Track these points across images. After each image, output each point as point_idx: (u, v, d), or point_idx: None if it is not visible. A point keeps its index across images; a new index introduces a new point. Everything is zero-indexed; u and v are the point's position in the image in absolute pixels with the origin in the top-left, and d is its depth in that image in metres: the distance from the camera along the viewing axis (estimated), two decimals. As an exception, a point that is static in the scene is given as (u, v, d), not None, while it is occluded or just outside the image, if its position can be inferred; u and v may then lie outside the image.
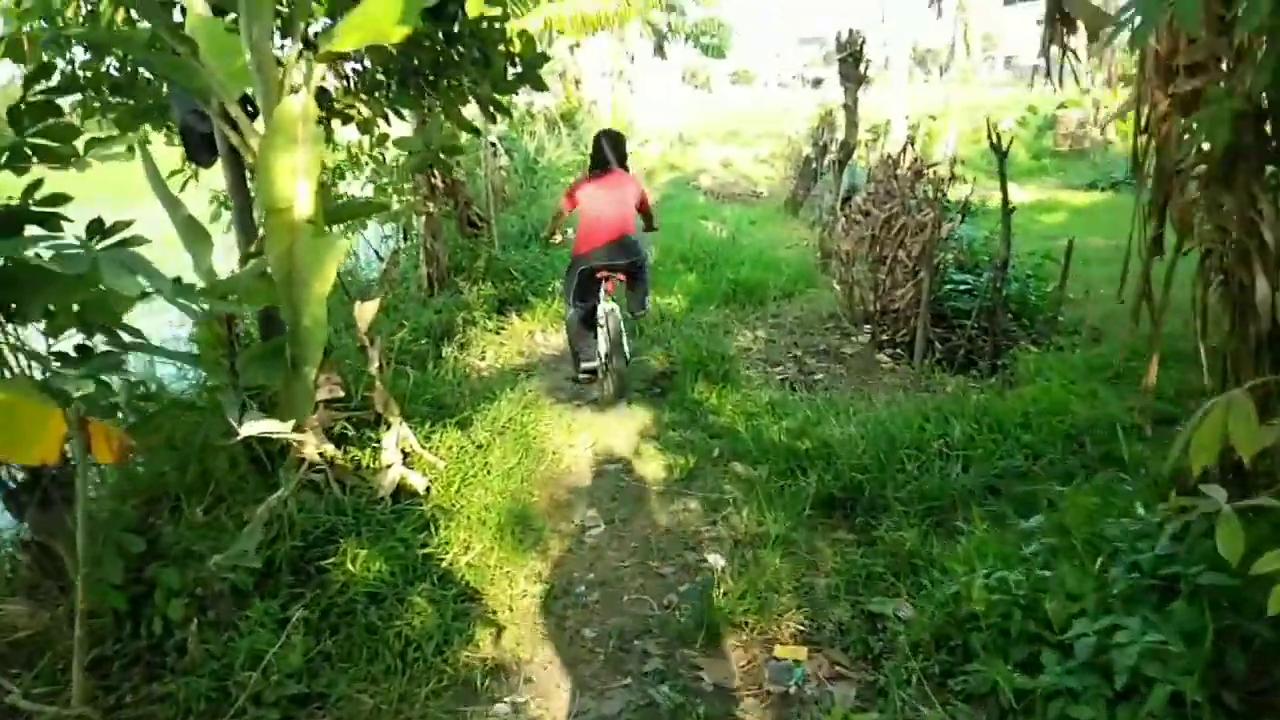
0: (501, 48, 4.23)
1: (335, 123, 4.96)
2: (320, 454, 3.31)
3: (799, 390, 5.32)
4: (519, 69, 4.55)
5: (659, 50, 21.09)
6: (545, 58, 4.53)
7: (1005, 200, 5.37)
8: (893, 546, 3.23)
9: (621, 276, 5.34)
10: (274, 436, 3.09)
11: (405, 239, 7.17)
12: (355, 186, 6.87)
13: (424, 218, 6.88)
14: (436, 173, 6.87)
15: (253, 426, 2.82)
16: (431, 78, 4.52)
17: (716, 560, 3.31)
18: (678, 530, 3.59)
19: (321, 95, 4.71)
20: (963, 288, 6.30)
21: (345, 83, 4.95)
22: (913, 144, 6.36)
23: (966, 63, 17.21)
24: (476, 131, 4.78)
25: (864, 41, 8.02)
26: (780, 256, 9.08)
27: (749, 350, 6.31)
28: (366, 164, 6.04)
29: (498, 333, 6.48)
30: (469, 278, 6.96)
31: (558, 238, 5.86)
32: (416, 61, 4.57)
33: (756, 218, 11.88)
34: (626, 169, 5.51)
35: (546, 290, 7.27)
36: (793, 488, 3.73)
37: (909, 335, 6.04)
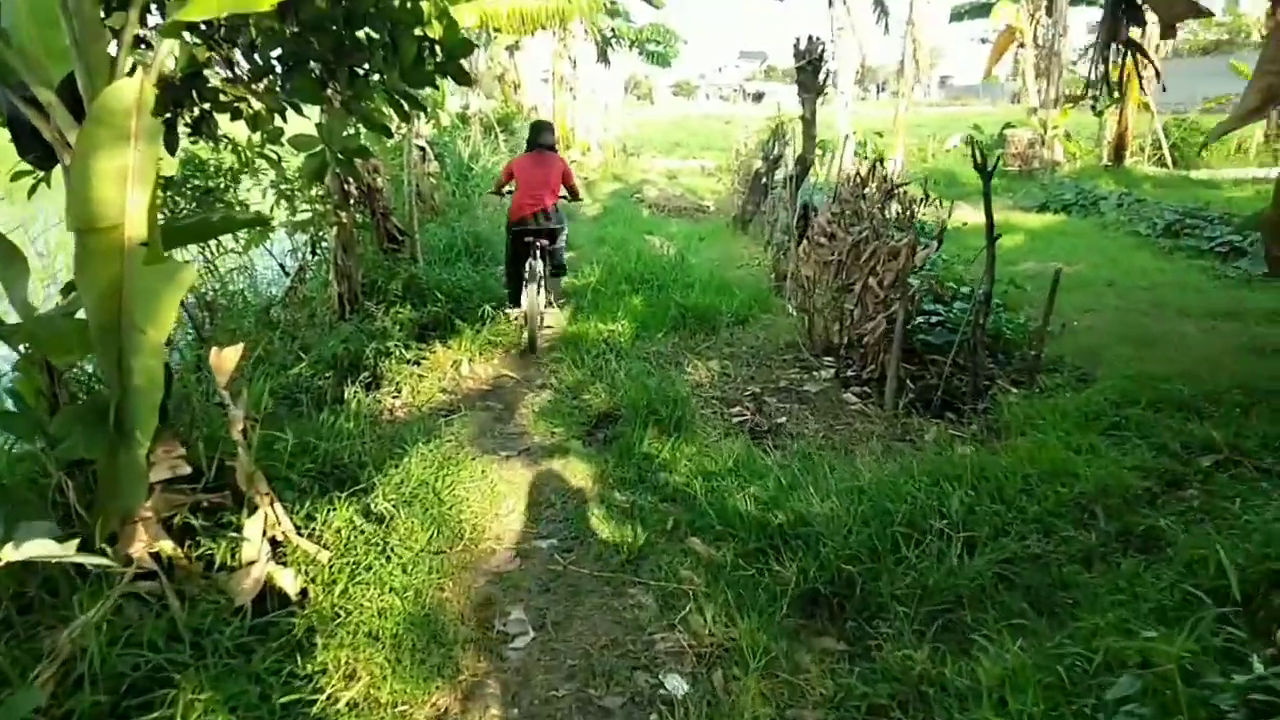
0: (416, 31, 3.48)
1: (226, 118, 4.15)
2: (154, 554, 2.49)
3: (762, 439, 4.67)
4: (439, 58, 3.80)
5: (602, 56, 20.41)
6: (470, 45, 3.78)
7: (990, 225, 4.82)
8: (897, 667, 2.57)
9: (545, 240, 6.51)
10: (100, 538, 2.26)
11: (314, 253, 6.30)
12: (257, 194, 5.98)
13: (335, 229, 6.02)
14: (350, 179, 6.03)
15: (29, 549, 1.97)
16: (332, 65, 3.73)
17: (676, 685, 2.60)
18: (625, 639, 2.86)
19: (196, 83, 3.89)
20: (934, 319, 5.78)
21: (232, 70, 4.13)
22: (881, 163, 5.78)
23: (907, 81, 17.00)
24: (387, 131, 4.01)
25: (824, 49, 7.48)
26: (731, 277, 8.47)
27: (701, 386, 5.64)
28: (262, 167, 5.14)
29: (417, 363, 5.67)
30: (385, 299, 6.13)
31: (505, 190, 7.00)
32: (315, 44, 3.78)
33: (704, 234, 11.28)
34: (554, 149, 6.98)
35: (476, 313, 6.48)
36: (766, 577, 3.05)
37: (877, 371, 5.46)
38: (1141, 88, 14.41)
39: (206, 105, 4.01)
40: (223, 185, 5.19)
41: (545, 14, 9.88)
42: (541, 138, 6.76)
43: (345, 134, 4.07)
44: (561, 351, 6.19)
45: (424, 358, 5.77)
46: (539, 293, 6.32)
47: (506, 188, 6.86)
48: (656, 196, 14.37)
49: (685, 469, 4.02)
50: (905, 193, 5.75)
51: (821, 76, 7.69)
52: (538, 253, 6.37)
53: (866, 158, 18.00)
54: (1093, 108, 18.32)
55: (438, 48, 3.73)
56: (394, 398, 5.09)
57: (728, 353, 6.46)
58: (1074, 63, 17.29)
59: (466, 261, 7.85)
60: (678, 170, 19.32)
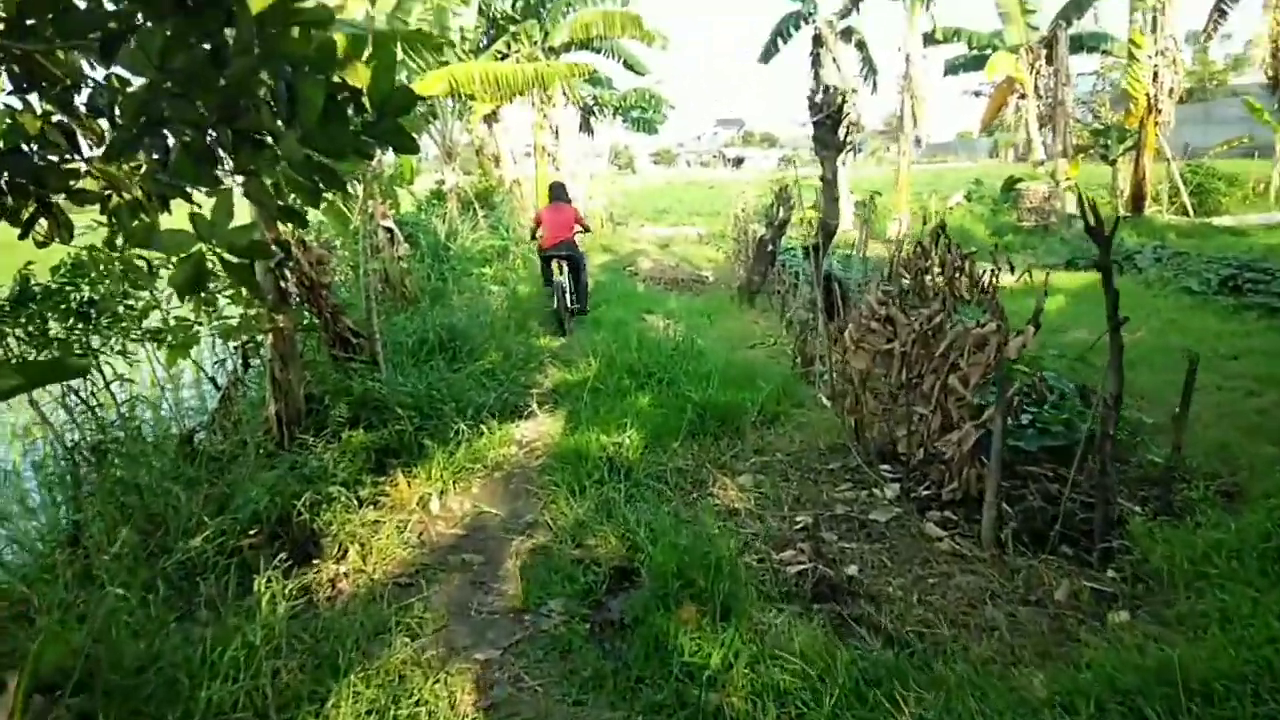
0: (325, 77, 2.36)
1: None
2: None
3: (832, 604, 3.43)
4: (371, 117, 2.68)
5: (585, 125, 19.71)
6: (410, 97, 2.65)
7: (1114, 308, 3.69)
8: None
9: (565, 263, 9.33)
10: None
11: (245, 366, 5.12)
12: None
13: (270, 336, 4.85)
14: (288, 274, 4.89)
15: None
16: (212, 131, 2.60)
17: None
18: None
19: (15, 163, 2.75)
20: (1022, 418, 4.62)
21: (75, 145, 3.00)
22: (943, 230, 4.69)
23: (907, 138, 16.27)
24: (299, 219, 2.91)
25: (844, 100, 6.51)
26: (748, 361, 7.33)
27: (736, 516, 4.43)
28: (119, 270, 3.92)
29: (374, 504, 4.44)
30: (333, 422, 4.92)
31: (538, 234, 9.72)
32: (195, 104, 2.66)
33: (708, 309, 10.19)
34: (568, 201, 9.97)
35: (449, 430, 5.28)
36: None
37: (961, 490, 4.27)
38: (1158, 134, 13.66)
39: (51, 193, 2.87)
40: (118, 292, 4.02)
41: (522, 79, 8.97)
42: (558, 194, 9.96)
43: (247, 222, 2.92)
44: (557, 472, 4.97)
45: (382, 496, 4.54)
46: (566, 295, 9.23)
47: (538, 231, 9.70)
48: (650, 268, 13.35)
49: (743, 684, 2.76)
50: (972, 263, 4.65)
51: (842, 131, 6.70)
52: (563, 267, 9.33)
53: (866, 220, 17.17)
54: (1104, 156, 17.68)
55: (365, 101, 2.60)
56: (337, 563, 3.83)
57: (760, 463, 5.26)
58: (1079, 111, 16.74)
59: (440, 360, 6.68)
60: (669, 238, 18.42)
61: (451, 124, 13.00)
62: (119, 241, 3.39)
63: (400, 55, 7.80)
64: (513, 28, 13.91)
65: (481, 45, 12.96)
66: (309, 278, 5.25)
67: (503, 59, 13.05)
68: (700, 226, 21.85)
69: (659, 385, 6.47)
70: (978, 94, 26.16)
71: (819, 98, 6.54)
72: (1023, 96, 15.65)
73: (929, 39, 16.29)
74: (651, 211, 27.37)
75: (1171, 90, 13.90)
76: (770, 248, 10.45)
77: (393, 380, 5.49)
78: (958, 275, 4.38)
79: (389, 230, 8.78)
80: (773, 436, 5.71)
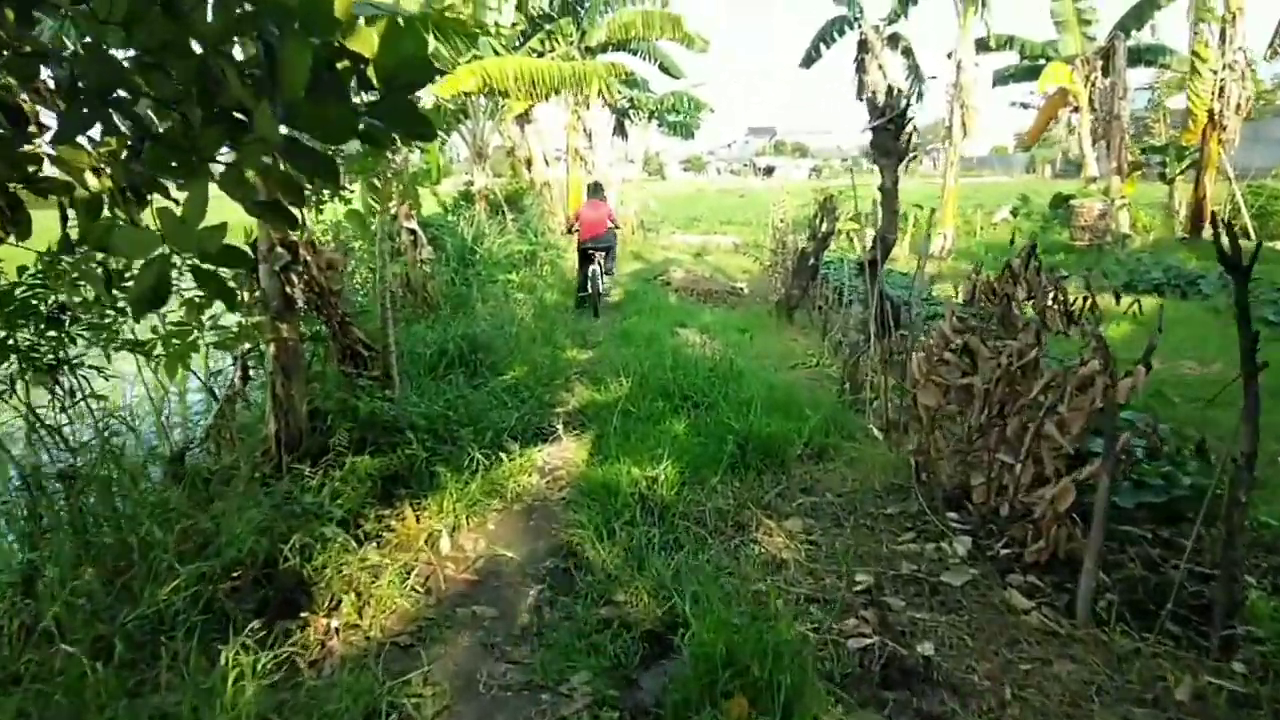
0: (313, 38, 1.87)
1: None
2: None
3: (905, 691, 2.87)
4: (378, 91, 2.18)
5: (620, 129, 19.23)
6: (428, 68, 2.14)
7: (1251, 350, 3.10)
8: None
9: (601, 253, 10.90)
10: None
11: (244, 378, 4.67)
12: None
13: (272, 347, 4.39)
14: (293, 278, 4.42)
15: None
16: (180, 109, 2.12)
17: None
18: None
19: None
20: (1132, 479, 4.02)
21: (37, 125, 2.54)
22: (1035, 253, 4.09)
23: (955, 148, 15.61)
24: (286, 219, 2.44)
25: (909, 102, 5.94)
26: (790, 385, 6.77)
27: (784, 569, 3.89)
28: (72, 277, 3.42)
29: (377, 541, 3.94)
30: (334, 443, 4.44)
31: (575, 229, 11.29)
32: (170, 75, 2.19)
33: (745, 324, 9.63)
34: (604, 199, 11.65)
35: (464, 456, 4.78)
36: None
37: (1047, 550, 3.68)
38: (1220, 153, 12.89)
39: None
40: (93, 297, 3.55)
41: (559, 77, 8.49)
42: (595, 192, 11.72)
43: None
44: (582, 509, 4.45)
45: (387, 531, 4.05)
46: (599, 279, 10.74)
47: (575, 226, 11.23)
48: (683, 278, 12.81)
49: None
50: (1064, 290, 4.06)
51: (904, 137, 6.13)
52: (598, 258, 10.79)
53: (927, 234, 16.50)
54: (1161, 175, 16.88)
55: (371, 73, 2.10)
56: (329, 615, 3.33)
57: (809, 504, 4.71)
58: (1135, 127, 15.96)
59: (460, 375, 6.19)
60: (701, 246, 17.87)
61: (483, 123, 12.58)
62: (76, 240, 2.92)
63: (431, 44, 7.37)
64: (548, 25, 13.48)
65: (516, 44, 12.55)
66: (319, 284, 4.78)
67: (538, 58, 12.63)
68: (733, 235, 21.29)
69: (695, 410, 5.94)
70: (1025, 106, 25.28)
71: (880, 100, 5.98)
72: (1076, 110, 14.92)
73: (981, 45, 15.61)
74: (683, 219, 26.84)
75: (1239, 106, 13.11)
76: (812, 261, 9.88)
77: (406, 399, 5.00)
78: (1051, 304, 3.80)
79: (412, 232, 8.35)
80: (821, 473, 5.15)
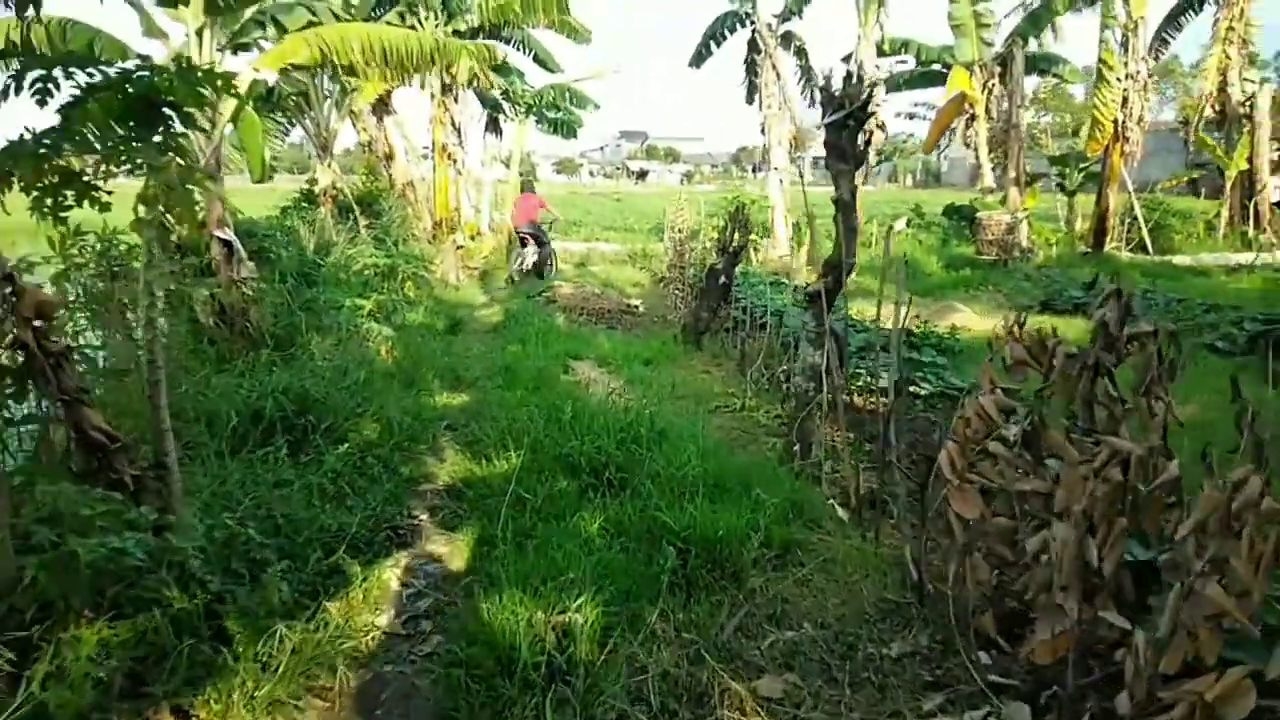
0: None
1: None
2: None
3: None
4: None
5: (493, 125, 17.44)
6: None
7: None
8: None
9: (530, 239, 13.63)
10: None
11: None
12: None
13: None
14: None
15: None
16: None
17: None
18: None
19: None
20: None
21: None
22: (1126, 297, 2.85)
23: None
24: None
25: (873, 88, 4.69)
26: (721, 442, 5.41)
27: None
28: None
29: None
30: (55, 608, 2.65)
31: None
32: None
33: (648, 353, 8.20)
34: (534, 192, 14.56)
35: (268, 607, 3.08)
36: None
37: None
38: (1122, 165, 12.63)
39: None
40: None
41: (418, 52, 6.79)
42: (527, 187, 14.80)
43: None
44: (457, 692, 2.87)
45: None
46: (527, 261, 13.51)
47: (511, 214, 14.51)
48: (570, 295, 11.26)
49: None
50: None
51: (864, 135, 4.87)
52: (527, 242, 13.52)
53: (801, 241, 15.62)
54: (1060, 186, 16.76)
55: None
56: None
57: (784, 644, 3.33)
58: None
59: (282, 446, 4.43)
60: (584, 254, 16.38)
61: (328, 111, 10.59)
62: None
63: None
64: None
65: (368, 19, 10.62)
66: (24, 341, 2.96)
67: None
68: (615, 243, 19.95)
69: (611, 492, 4.45)
70: (911, 116, 25.29)
71: (836, 88, 4.71)
72: (973, 118, 14.45)
73: (878, 50, 14.95)
74: (562, 224, 25.26)
75: (1140, 118, 12.95)
76: (723, 279, 8.59)
77: (182, 521, 3.21)
78: (1156, 383, 2.57)
79: (226, 244, 6.42)
80: (790, 588, 3.77)
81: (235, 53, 7.22)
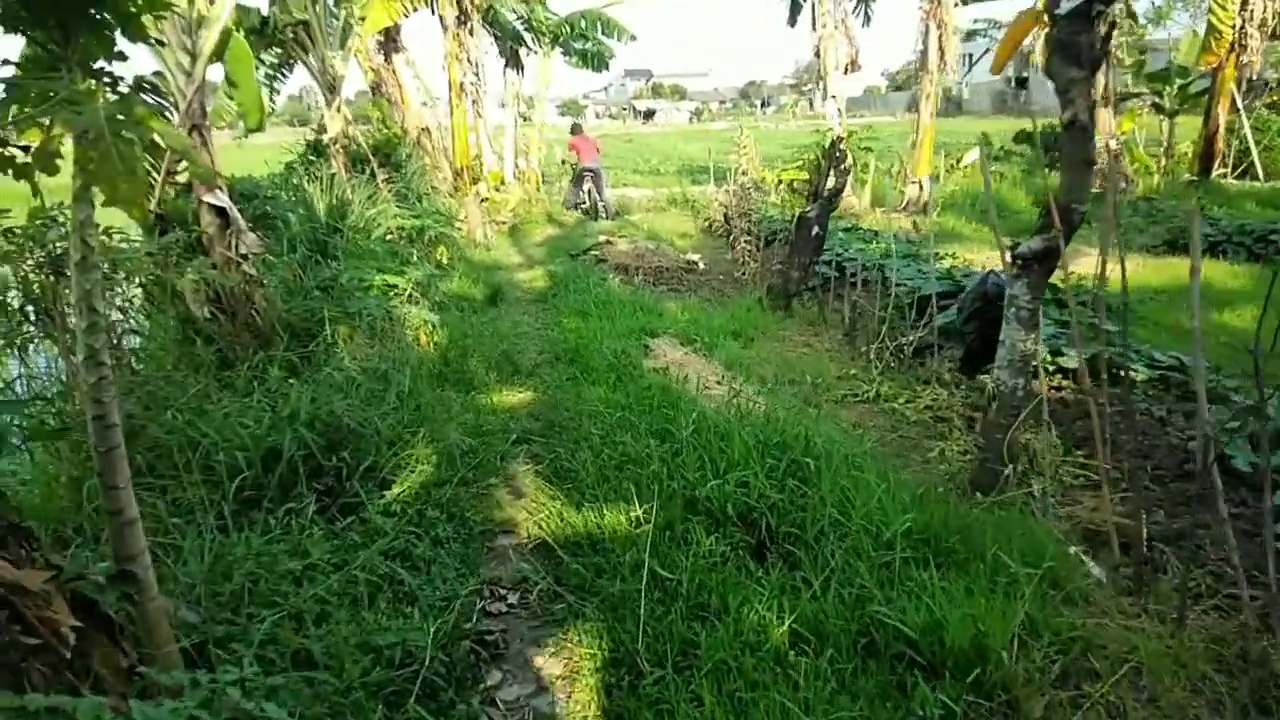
0: None
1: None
2: None
3: None
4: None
5: (514, 60, 15.73)
6: None
7: None
8: None
9: (591, 174, 14.21)
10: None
11: None
12: None
13: None
14: None
15: None
16: None
17: None
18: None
19: None
20: None
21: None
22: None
23: (931, 78, 13.16)
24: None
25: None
26: (879, 459, 4.07)
27: None
28: None
29: None
30: None
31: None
32: None
33: (733, 325, 6.79)
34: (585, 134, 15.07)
35: None
36: None
37: None
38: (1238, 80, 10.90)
39: None
40: None
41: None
42: (577, 131, 15.01)
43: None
44: None
45: None
46: (594, 195, 14.11)
47: (573, 156, 14.86)
48: (622, 253, 9.80)
49: None
50: None
51: (1099, 36, 3.41)
52: (591, 179, 14.15)
53: (863, 180, 14.01)
54: (1158, 106, 14.98)
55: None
56: None
57: None
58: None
59: (309, 501, 3.13)
60: (619, 202, 14.84)
61: (337, 54, 8.99)
62: None
63: None
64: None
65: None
66: None
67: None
68: (644, 188, 18.36)
69: (779, 559, 3.12)
70: (971, 34, 23.12)
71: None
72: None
73: (951, -48, 13.10)
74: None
75: (1264, 22, 11.16)
76: (816, 229, 7.14)
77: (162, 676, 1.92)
78: None
79: (220, 211, 5.03)
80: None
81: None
